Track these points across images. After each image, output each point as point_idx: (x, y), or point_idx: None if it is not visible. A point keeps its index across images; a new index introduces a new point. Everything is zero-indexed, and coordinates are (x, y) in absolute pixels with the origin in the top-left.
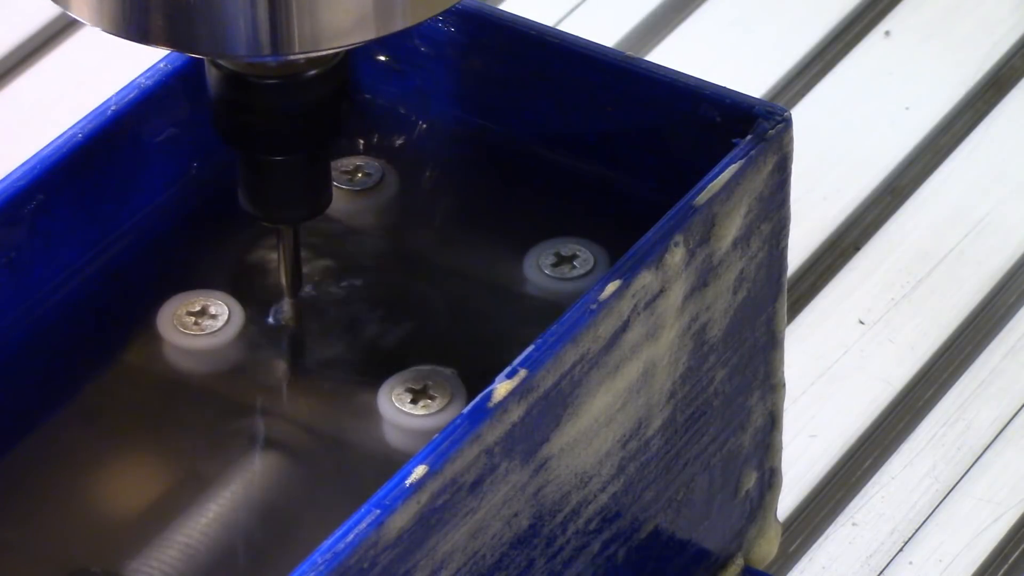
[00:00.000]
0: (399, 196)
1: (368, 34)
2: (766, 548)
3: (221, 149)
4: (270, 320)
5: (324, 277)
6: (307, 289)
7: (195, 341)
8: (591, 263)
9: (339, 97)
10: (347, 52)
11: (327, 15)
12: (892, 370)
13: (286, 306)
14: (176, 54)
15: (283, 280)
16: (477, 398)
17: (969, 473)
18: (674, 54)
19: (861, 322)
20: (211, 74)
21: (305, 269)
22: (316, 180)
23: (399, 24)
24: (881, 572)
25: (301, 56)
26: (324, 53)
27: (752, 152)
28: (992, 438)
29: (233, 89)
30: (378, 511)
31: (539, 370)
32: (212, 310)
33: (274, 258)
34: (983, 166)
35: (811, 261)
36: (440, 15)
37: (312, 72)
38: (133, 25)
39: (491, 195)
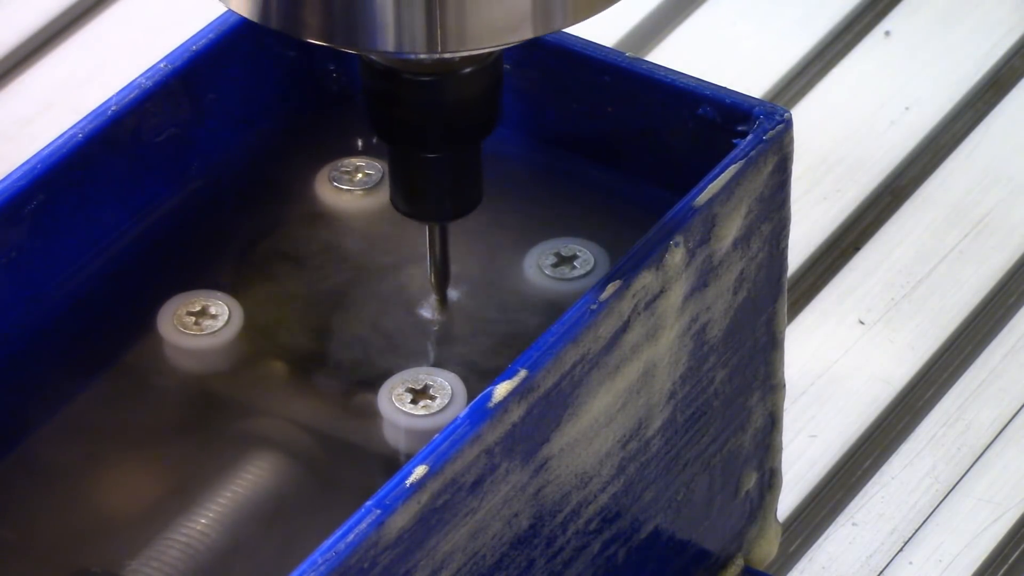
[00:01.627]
0: None
1: (526, 33)
2: (766, 548)
3: (221, 149)
4: (420, 315)
5: (324, 277)
6: (308, 288)
7: (195, 341)
8: (591, 263)
9: (493, 94)
10: (503, 49)
11: (486, 13)
12: (892, 370)
13: (434, 303)
14: (176, 53)
15: (431, 278)
16: (477, 398)
17: (969, 473)
18: (674, 54)
19: (861, 322)
20: (365, 69)
21: (306, 269)
22: (466, 178)
23: (559, 24)
24: (881, 572)
25: (457, 55)
26: (480, 52)
27: (752, 152)
28: (992, 438)
29: (387, 84)
30: (378, 511)
31: (539, 370)
32: (212, 310)
33: (273, 258)
34: (983, 166)
35: (811, 261)
36: None
37: (468, 69)
38: (291, 19)
39: (491, 195)
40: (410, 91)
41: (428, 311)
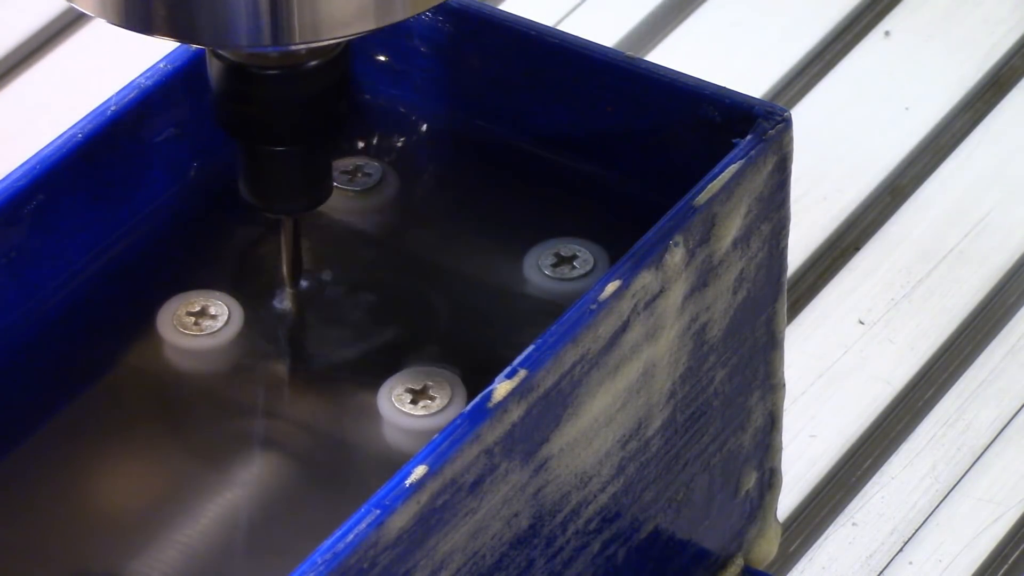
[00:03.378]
0: (399, 196)
1: (368, 24)
2: (766, 548)
3: (221, 149)
4: (273, 306)
5: (324, 277)
6: (307, 289)
7: (195, 341)
8: (591, 264)
9: (340, 88)
10: (347, 43)
11: (328, 5)
12: (892, 370)
13: (287, 296)
14: (176, 53)
15: (284, 270)
16: (477, 398)
17: (969, 473)
18: (674, 54)
19: (861, 322)
20: (212, 65)
21: (305, 269)
22: (316, 171)
23: (399, 15)
24: (881, 572)
25: (302, 46)
26: (324, 43)
27: (752, 152)
28: (992, 438)
29: (234, 79)
30: (378, 511)
31: (539, 370)
32: (212, 310)
33: (274, 257)
34: (983, 166)
35: (811, 261)
36: (440, 15)
37: (313, 63)
38: (135, 15)
39: (491, 195)
40: (257, 85)
41: (280, 303)
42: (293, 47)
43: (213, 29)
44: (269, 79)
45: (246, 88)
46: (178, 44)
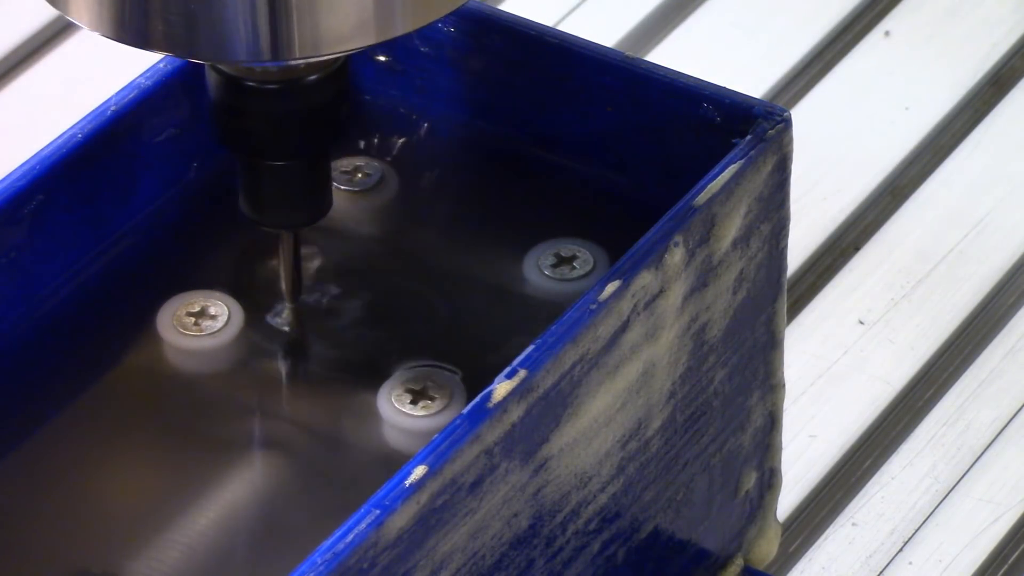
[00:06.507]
0: (399, 196)
1: (368, 39)
2: (766, 548)
3: (220, 149)
4: (270, 321)
5: (324, 277)
6: (307, 288)
7: (195, 342)
8: (591, 264)
9: (339, 102)
10: (346, 57)
11: (327, 20)
12: (892, 370)
13: (286, 311)
14: None
15: (283, 285)
16: (477, 398)
17: (969, 473)
18: (674, 54)
19: (861, 322)
20: (211, 78)
21: (306, 269)
22: (315, 186)
23: (399, 29)
24: (881, 572)
25: (301, 61)
26: (324, 58)
27: (752, 152)
28: (992, 438)
29: (232, 94)
30: (378, 511)
31: (539, 370)
32: (212, 311)
33: (274, 258)
34: (983, 166)
35: (811, 261)
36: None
37: (312, 77)
38: (132, 30)
39: (491, 196)
40: (256, 100)
41: (279, 320)
42: (292, 62)
43: (212, 44)
44: (268, 93)
45: (245, 102)
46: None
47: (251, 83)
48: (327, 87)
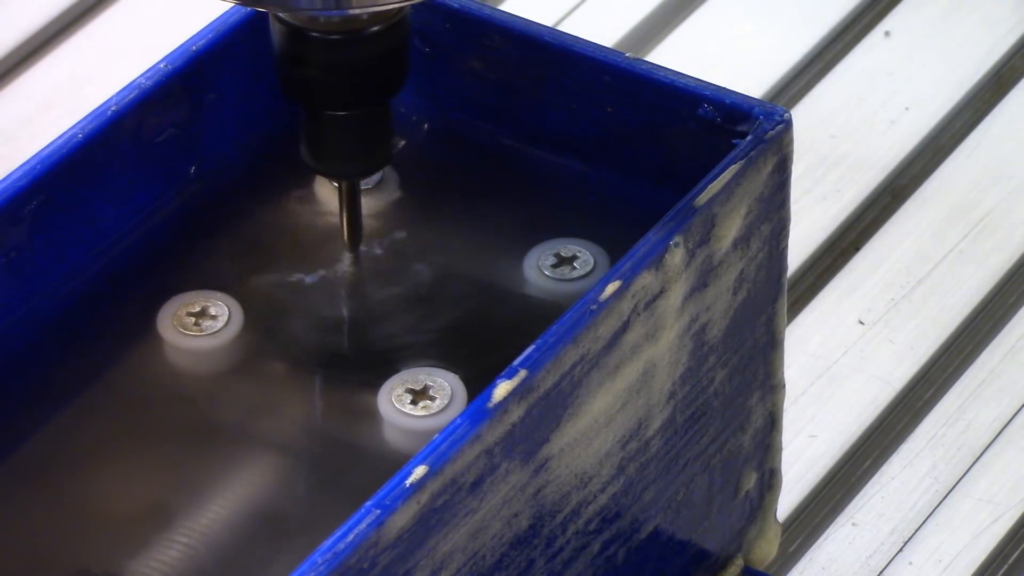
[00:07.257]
0: (399, 196)
1: None
2: (766, 548)
3: (221, 149)
4: (335, 271)
5: (324, 277)
6: (307, 289)
7: (195, 342)
8: (591, 264)
9: (400, 54)
10: (408, 9)
11: None
12: (892, 370)
13: (347, 260)
14: (176, 54)
15: (344, 235)
16: (477, 398)
17: (969, 473)
18: (674, 54)
19: (861, 322)
20: (274, 28)
21: (305, 269)
22: (374, 136)
23: None
24: (881, 572)
25: (363, 11)
26: (385, 7)
27: (752, 153)
28: (992, 438)
29: (295, 44)
30: (378, 511)
31: (539, 370)
32: (212, 311)
33: (274, 257)
34: (983, 166)
35: (811, 261)
36: (440, 16)
37: (373, 28)
38: None
39: (491, 196)
40: (319, 50)
41: (343, 268)
42: (354, 11)
43: None
44: (331, 44)
45: (308, 52)
46: (231, 5)
47: (314, 33)
48: (388, 38)
